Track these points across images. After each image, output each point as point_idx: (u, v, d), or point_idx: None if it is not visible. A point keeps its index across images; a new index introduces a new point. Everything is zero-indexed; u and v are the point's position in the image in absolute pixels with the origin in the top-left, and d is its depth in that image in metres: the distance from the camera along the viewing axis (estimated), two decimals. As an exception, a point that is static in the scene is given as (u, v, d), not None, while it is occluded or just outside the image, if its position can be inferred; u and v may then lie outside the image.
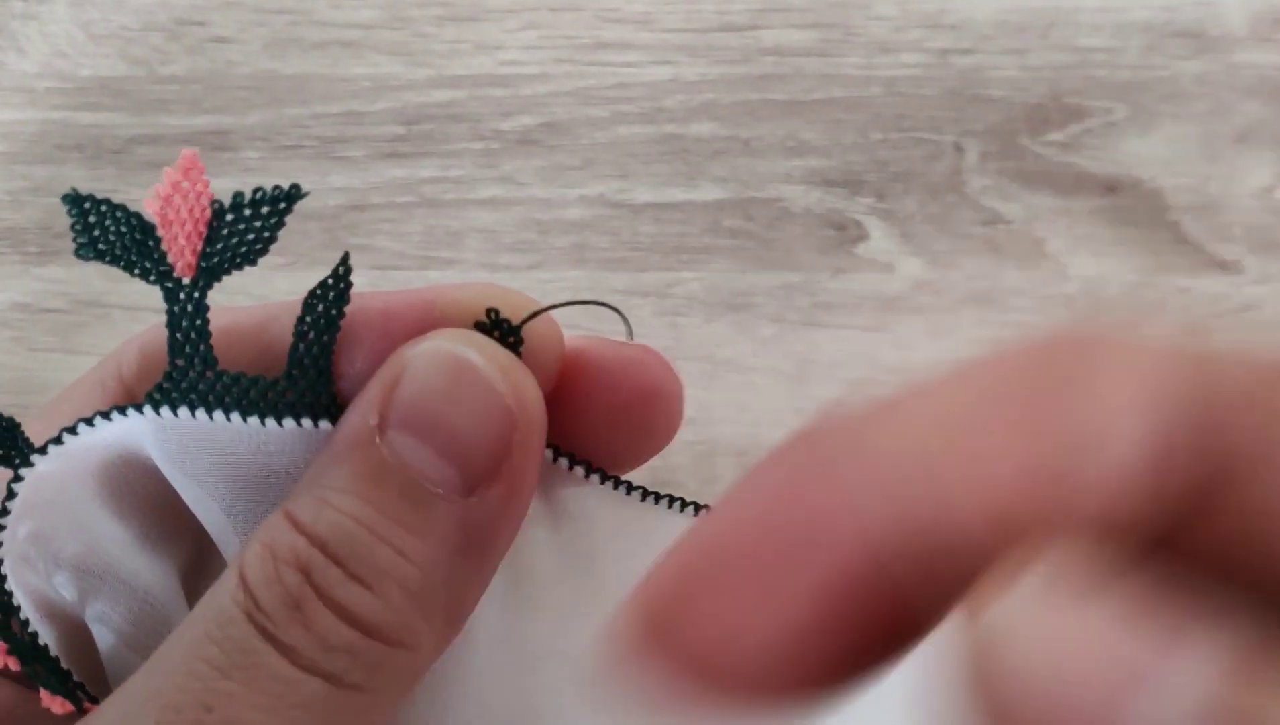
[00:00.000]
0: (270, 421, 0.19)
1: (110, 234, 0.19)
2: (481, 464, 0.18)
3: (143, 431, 0.19)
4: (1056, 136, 0.43)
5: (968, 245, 0.42)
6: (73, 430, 0.19)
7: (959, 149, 0.43)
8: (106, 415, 0.19)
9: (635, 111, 0.43)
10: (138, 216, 0.19)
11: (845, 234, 0.42)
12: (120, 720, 0.17)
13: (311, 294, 0.19)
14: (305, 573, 0.17)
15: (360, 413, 0.18)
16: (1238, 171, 0.42)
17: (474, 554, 0.18)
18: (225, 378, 0.19)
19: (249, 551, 0.18)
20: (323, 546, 0.18)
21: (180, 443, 0.19)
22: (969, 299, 0.41)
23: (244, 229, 0.19)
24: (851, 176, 0.42)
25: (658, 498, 0.21)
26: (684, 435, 0.42)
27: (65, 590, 0.20)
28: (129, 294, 0.41)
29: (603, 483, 0.21)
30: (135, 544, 0.21)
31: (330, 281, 0.19)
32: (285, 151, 0.42)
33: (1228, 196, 0.42)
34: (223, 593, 0.18)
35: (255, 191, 0.19)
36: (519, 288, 0.41)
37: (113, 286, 0.41)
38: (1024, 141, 0.43)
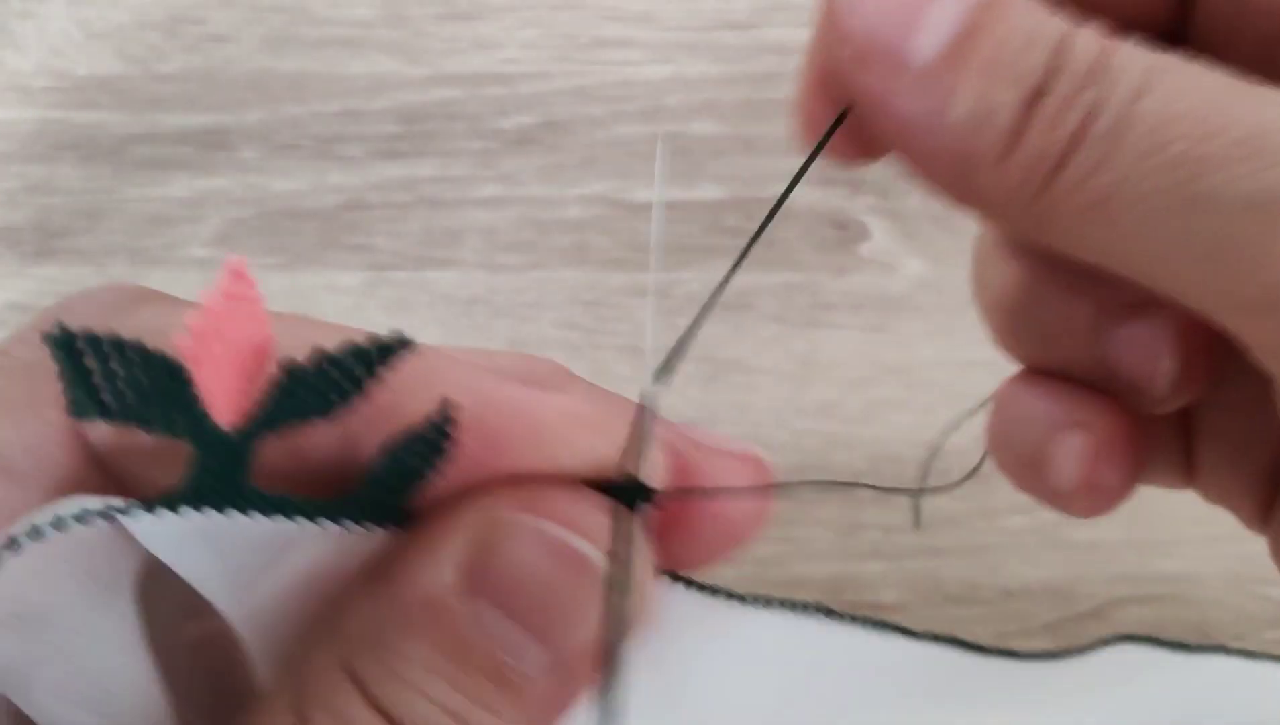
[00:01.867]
0: (324, 521, 0.16)
1: (121, 383, 0.15)
2: (575, 649, 0.16)
3: (175, 531, 0.16)
4: (1059, 135, 0.42)
5: (970, 244, 0.41)
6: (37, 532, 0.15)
7: (961, 148, 0.42)
8: (105, 514, 0.15)
9: (635, 110, 0.43)
10: (162, 359, 0.15)
11: (847, 233, 0.41)
12: None
13: (396, 443, 0.16)
14: None
15: (438, 569, 0.16)
16: (1241, 171, 0.42)
17: (563, 715, 0.17)
18: (258, 495, 0.16)
19: (316, 718, 0.16)
20: None
21: (196, 530, 0.16)
22: (971, 299, 0.41)
23: (322, 387, 0.15)
24: (852, 175, 0.42)
25: (743, 599, 0.19)
26: (684, 436, 0.42)
27: None
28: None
29: (688, 588, 0.19)
30: (89, 633, 0.17)
31: (425, 432, 0.16)
32: (283, 150, 0.42)
33: (1231, 196, 0.42)
34: None
35: (345, 345, 0.15)
36: (518, 288, 0.41)
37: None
38: (1026, 140, 0.42)
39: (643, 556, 0.17)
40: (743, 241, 0.19)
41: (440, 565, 0.16)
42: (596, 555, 0.16)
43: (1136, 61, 0.17)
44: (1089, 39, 0.17)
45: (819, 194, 0.42)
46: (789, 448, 0.40)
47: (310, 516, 0.16)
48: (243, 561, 0.16)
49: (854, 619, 0.21)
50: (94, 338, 0.14)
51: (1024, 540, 0.38)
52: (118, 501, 0.16)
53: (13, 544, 0.15)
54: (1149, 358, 0.22)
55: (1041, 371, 0.24)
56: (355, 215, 0.42)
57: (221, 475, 0.15)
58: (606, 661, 0.16)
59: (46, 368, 0.16)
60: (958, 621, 0.37)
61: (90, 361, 0.14)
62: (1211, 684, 0.29)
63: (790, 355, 0.40)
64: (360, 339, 0.15)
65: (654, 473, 0.18)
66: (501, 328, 0.40)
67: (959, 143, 0.17)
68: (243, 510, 0.16)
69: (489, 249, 0.41)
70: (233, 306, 0.15)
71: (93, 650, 0.17)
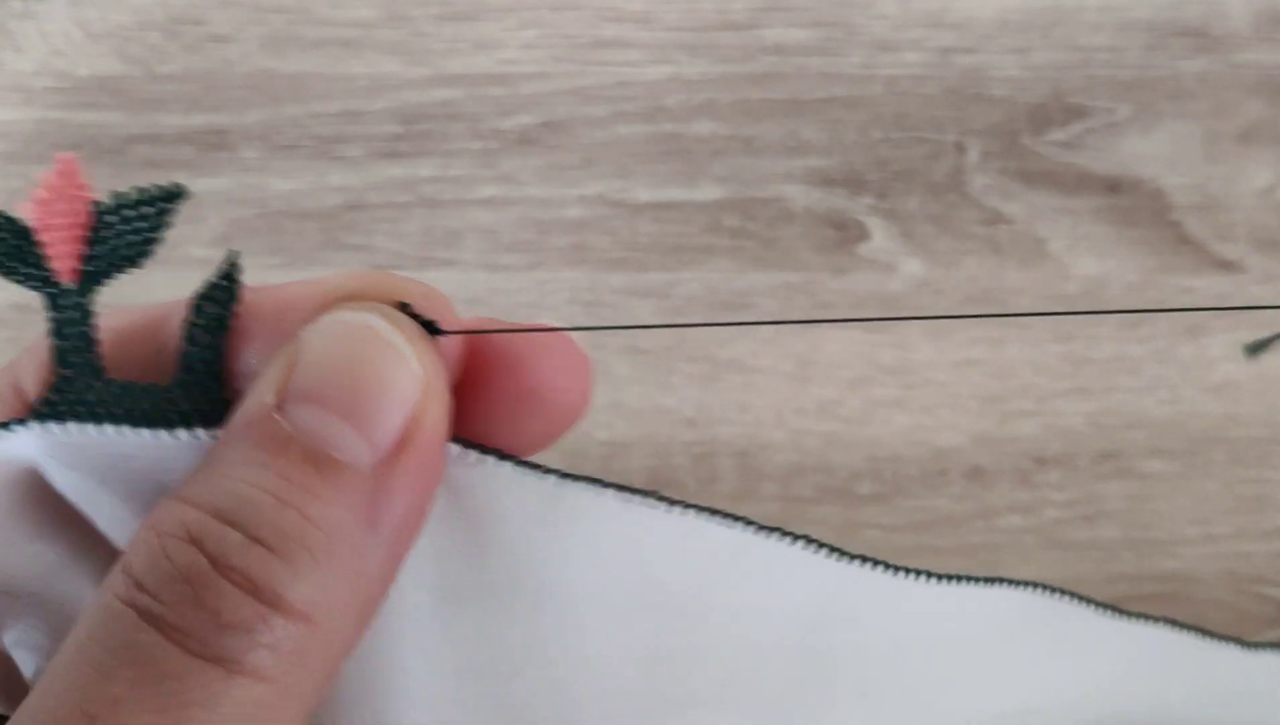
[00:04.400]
0: (163, 433, 0.18)
1: None
2: (388, 429, 0.17)
3: (37, 448, 0.18)
4: (1058, 136, 0.43)
5: (969, 245, 0.41)
6: None
7: (960, 148, 0.42)
8: None
9: (635, 110, 0.43)
10: (14, 221, 0.18)
11: (846, 234, 0.41)
12: None
13: (198, 294, 0.19)
14: (198, 543, 0.16)
15: (256, 394, 0.17)
16: (1240, 171, 0.42)
17: (384, 530, 0.17)
18: (114, 387, 0.18)
19: (133, 539, 0.16)
20: (218, 513, 0.16)
21: (77, 460, 0.18)
22: (970, 299, 0.41)
23: (128, 230, 0.18)
24: (852, 176, 0.42)
25: (575, 478, 0.19)
26: (684, 435, 0.42)
27: None
28: (125, 293, 0.40)
29: (516, 467, 0.19)
30: (57, 564, 0.19)
31: (218, 280, 0.19)
32: (283, 151, 0.42)
33: (1230, 196, 0.42)
34: (104, 587, 0.16)
35: (136, 190, 0.18)
36: (518, 288, 0.41)
37: (111, 286, 0.41)
38: (1026, 141, 0.42)
39: (428, 342, 0.18)
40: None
41: (259, 390, 0.17)
42: (386, 326, 0.17)
43: None
44: None
45: (819, 194, 0.42)
46: (788, 447, 0.40)
47: (153, 401, 0.18)
48: (134, 479, 0.18)
49: (695, 507, 0.20)
50: None
51: (1023, 540, 0.38)
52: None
53: None
54: None
55: None
56: (355, 215, 0.42)
57: (73, 335, 0.18)
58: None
59: (2, 370, 0.19)
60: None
61: None
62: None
63: (790, 355, 0.40)
64: (146, 185, 0.18)
65: (440, 305, 0.19)
66: (501, 328, 0.40)
67: None
68: (103, 401, 0.18)
69: (489, 249, 0.41)
70: (67, 186, 0.18)
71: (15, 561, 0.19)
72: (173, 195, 0.18)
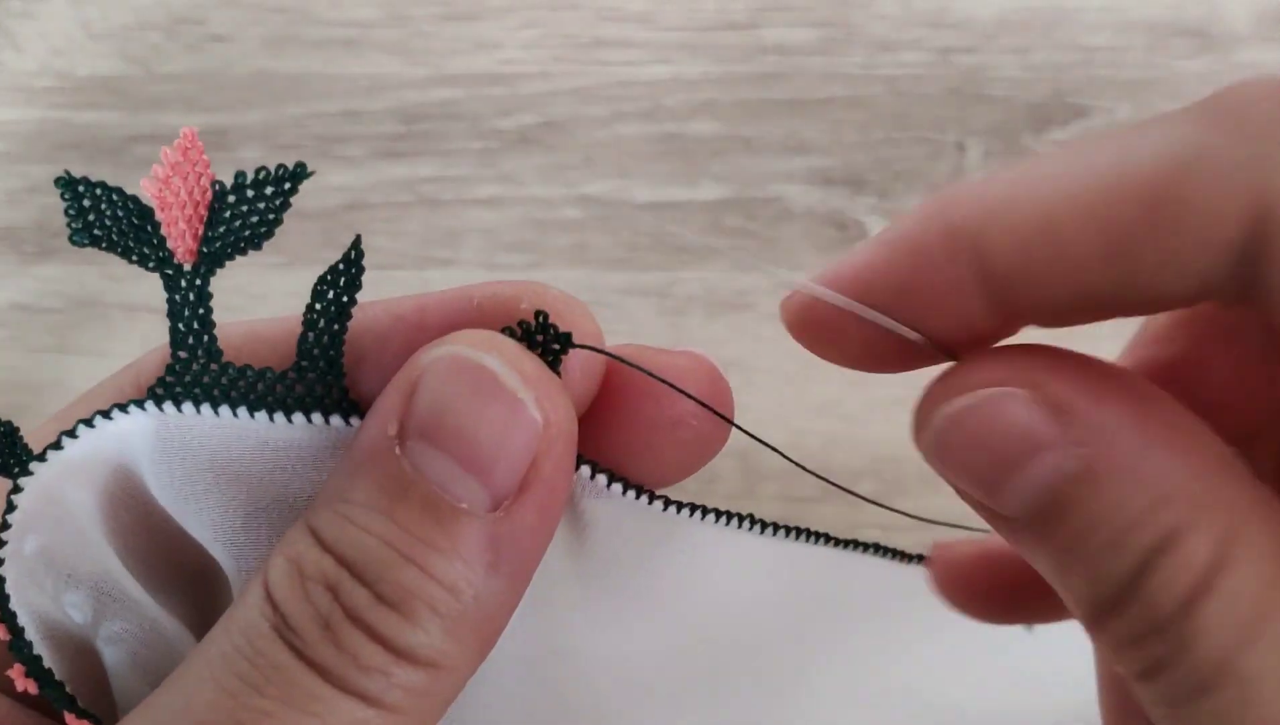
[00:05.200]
0: (279, 416, 0.18)
1: (107, 219, 0.18)
2: (507, 477, 0.17)
3: (143, 433, 0.18)
4: (1059, 135, 0.42)
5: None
6: (72, 433, 0.18)
7: (961, 148, 0.42)
8: (107, 414, 0.18)
9: (635, 110, 0.43)
10: (135, 200, 0.18)
11: (847, 233, 0.41)
12: None
13: (321, 280, 0.18)
14: (333, 591, 0.17)
15: (378, 421, 0.17)
16: (1241, 171, 0.42)
17: (505, 571, 0.18)
18: (231, 370, 0.18)
19: (273, 566, 0.17)
20: (349, 566, 0.17)
21: (182, 444, 0.18)
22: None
23: (247, 211, 0.18)
24: (853, 175, 0.42)
25: (680, 507, 0.20)
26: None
27: (75, 611, 0.19)
28: (126, 293, 0.40)
29: (625, 494, 0.20)
30: (141, 568, 0.20)
31: (341, 266, 0.18)
32: (283, 150, 0.42)
33: (1231, 196, 0.42)
34: (249, 607, 0.17)
35: (259, 171, 0.18)
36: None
37: (110, 286, 0.41)
38: (1026, 140, 0.42)
39: (548, 380, 0.18)
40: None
41: (381, 417, 0.17)
42: (501, 368, 0.17)
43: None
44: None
45: (819, 194, 0.42)
46: (789, 447, 0.40)
47: (270, 388, 0.18)
48: (240, 466, 0.18)
49: (803, 533, 0.22)
50: (89, 182, 0.18)
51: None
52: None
53: (40, 457, 0.18)
54: None
55: None
56: (356, 215, 0.42)
57: (190, 316, 0.18)
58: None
59: (128, 367, 0.20)
60: (957, 621, 0.37)
61: (86, 200, 0.18)
62: None
63: (790, 355, 0.40)
64: (270, 167, 0.18)
65: (581, 326, 0.19)
66: (502, 327, 0.40)
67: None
68: (218, 384, 0.18)
69: (489, 249, 0.41)
70: (187, 164, 0.18)
71: (112, 564, 0.19)
72: (296, 176, 0.18)
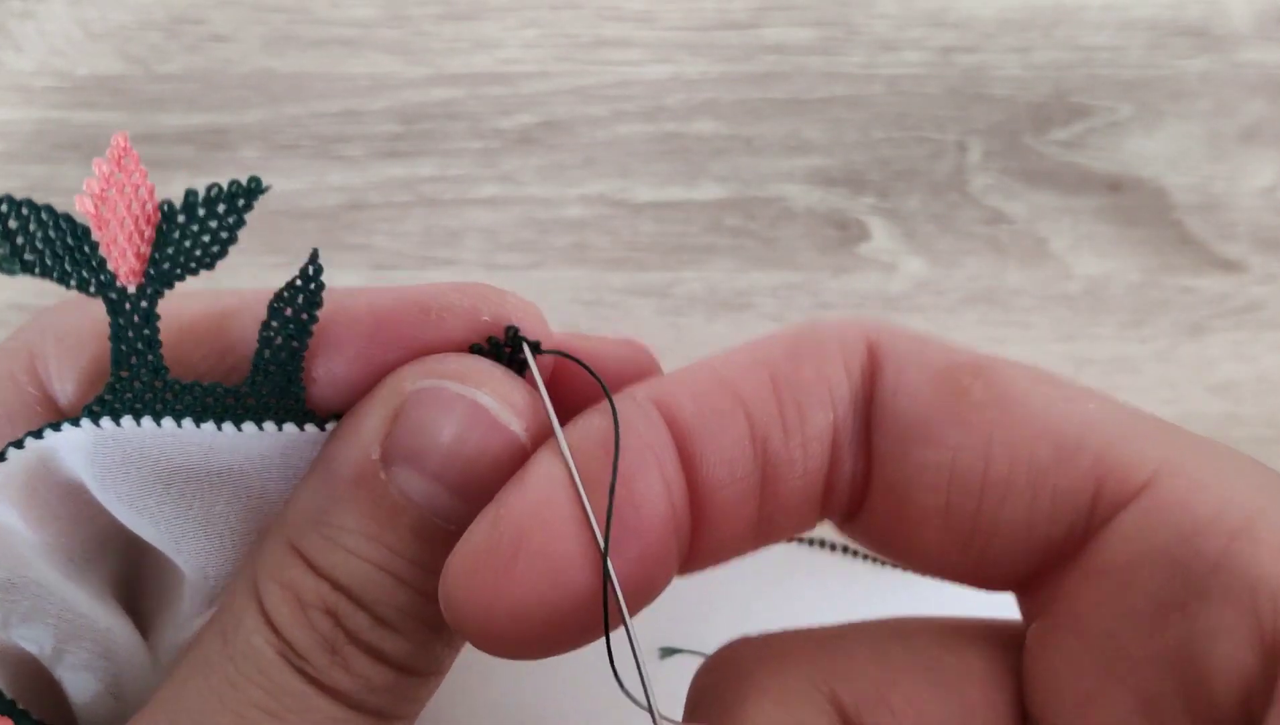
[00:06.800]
0: (227, 426, 0.17)
1: (38, 241, 0.16)
2: (505, 504, 0.17)
3: (77, 447, 0.17)
4: (1060, 135, 0.42)
5: (970, 244, 0.41)
6: (0, 456, 0.17)
7: (962, 147, 0.42)
8: (38, 434, 0.17)
9: (635, 110, 0.43)
10: (68, 219, 0.17)
11: (847, 233, 0.41)
12: None
13: (278, 296, 0.18)
14: (334, 617, 0.17)
15: (358, 444, 0.18)
16: (1242, 170, 0.42)
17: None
18: (177, 387, 0.17)
19: (268, 592, 0.17)
20: (346, 592, 0.17)
21: (124, 457, 0.17)
22: (971, 298, 0.41)
23: (199, 230, 0.17)
24: (853, 175, 0.42)
25: None
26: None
27: (30, 644, 0.19)
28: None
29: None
30: (61, 559, 0.19)
31: (300, 282, 0.18)
32: (283, 150, 0.42)
33: (1232, 195, 0.42)
34: (248, 632, 0.17)
35: (210, 188, 0.17)
36: (518, 288, 0.40)
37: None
38: (1027, 140, 0.42)
39: (535, 405, 0.18)
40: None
41: (362, 442, 0.18)
42: (495, 404, 0.18)
43: None
44: None
45: (819, 194, 0.42)
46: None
47: (221, 404, 0.17)
48: (180, 467, 0.18)
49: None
50: (12, 200, 0.16)
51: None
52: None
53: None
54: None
55: None
56: (355, 215, 0.42)
57: (135, 340, 0.17)
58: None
59: (16, 348, 0.18)
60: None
61: (12, 222, 0.16)
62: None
63: (791, 355, 0.40)
64: (222, 184, 0.17)
65: (534, 324, 0.19)
66: (502, 327, 0.40)
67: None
68: (163, 402, 0.17)
69: (489, 249, 0.41)
70: (122, 176, 0.17)
71: (68, 593, 0.19)
72: (251, 192, 0.17)
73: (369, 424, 0.18)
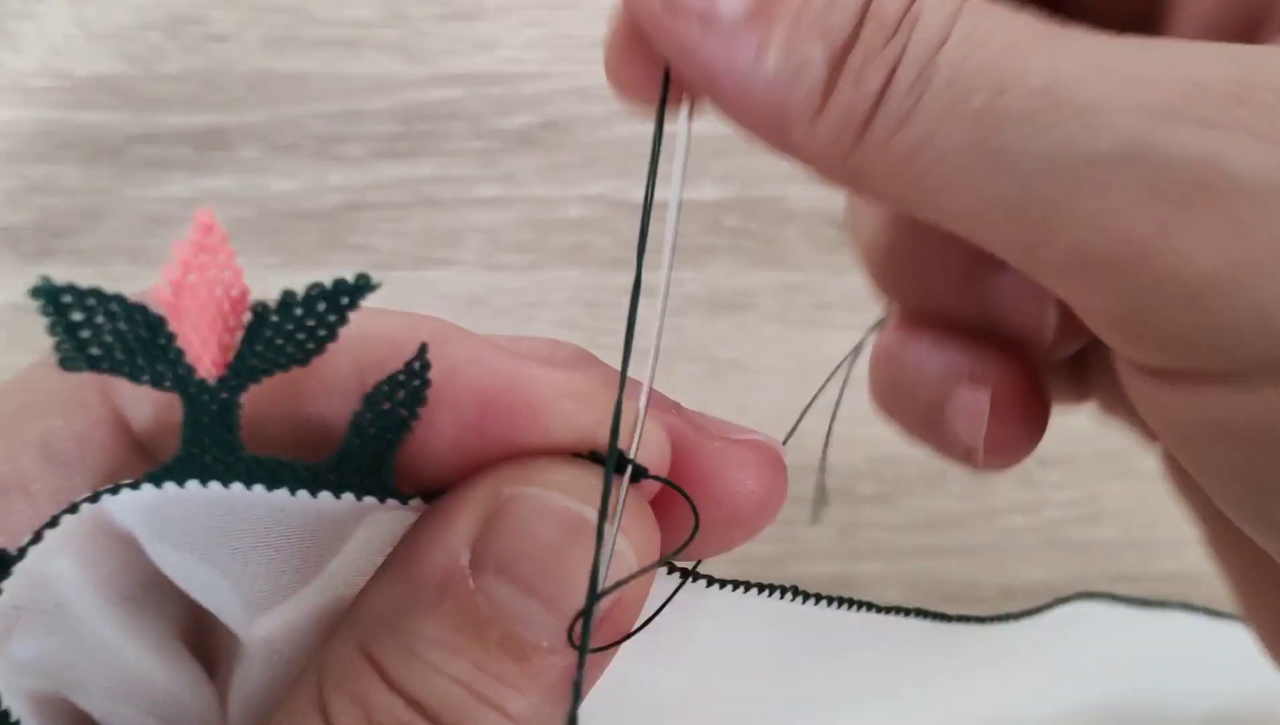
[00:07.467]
0: (302, 493, 0.16)
1: (106, 334, 0.15)
2: (596, 615, 0.16)
3: (131, 508, 0.16)
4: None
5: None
6: (54, 522, 0.16)
7: (961, 148, 0.42)
8: (94, 499, 0.16)
9: (635, 110, 0.43)
10: (141, 309, 0.15)
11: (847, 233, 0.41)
12: None
13: (378, 389, 0.16)
14: None
15: (445, 547, 0.16)
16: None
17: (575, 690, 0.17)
18: (251, 462, 0.16)
19: (337, 708, 0.16)
20: (422, 710, 0.16)
21: (184, 519, 0.16)
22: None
23: (294, 330, 0.15)
24: (853, 175, 0.42)
25: (722, 583, 0.20)
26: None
27: None
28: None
29: (683, 579, 0.19)
30: (117, 598, 0.17)
31: (403, 377, 0.16)
32: (283, 150, 0.42)
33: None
34: None
35: (311, 287, 0.15)
36: (518, 288, 0.40)
37: (110, 287, 0.41)
38: (1026, 140, 0.42)
39: (642, 525, 0.17)
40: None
41: (450, 544, 0.16)
42: (594, 517, 0.16)
43: (940, 9, 0.16)
44: None
45: (819, 194, 0.42)
46: (789, 447, 0.39)
47: (299, 478, 0.16)
48: (248, 527, 0.16)
49: (822, 598, 0.21)
50: (78, 290, 0.14)
51: (1024, 540, 0.38)
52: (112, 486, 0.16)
53: (53, 522, 0.16)
54: (1032, 305, 0.21)
55: (928, 319, 0.22)
56: (355, 215, 0.42)
57: (211, 431, 0.15)
58: (589, 618, 0.16)
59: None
60: (958, 621, 0.37)
61: (76, 314, 0.14)
62: (1172, 640, 0.29)
63: (790, 355, 0.40)
64: (326, 282, 0.15)
65: (652, 449, 0.18)
66: (502, 328, 0.40)
67: (771, 98, 0.17)
68: (235, 473, 0.16)
69: (489, 249, 0.41)
70: (205, 258, 0.15)
71: (125, 650, 0.17)
72: (358, 289, 0.15)
73: (460, 525, 0.16)
